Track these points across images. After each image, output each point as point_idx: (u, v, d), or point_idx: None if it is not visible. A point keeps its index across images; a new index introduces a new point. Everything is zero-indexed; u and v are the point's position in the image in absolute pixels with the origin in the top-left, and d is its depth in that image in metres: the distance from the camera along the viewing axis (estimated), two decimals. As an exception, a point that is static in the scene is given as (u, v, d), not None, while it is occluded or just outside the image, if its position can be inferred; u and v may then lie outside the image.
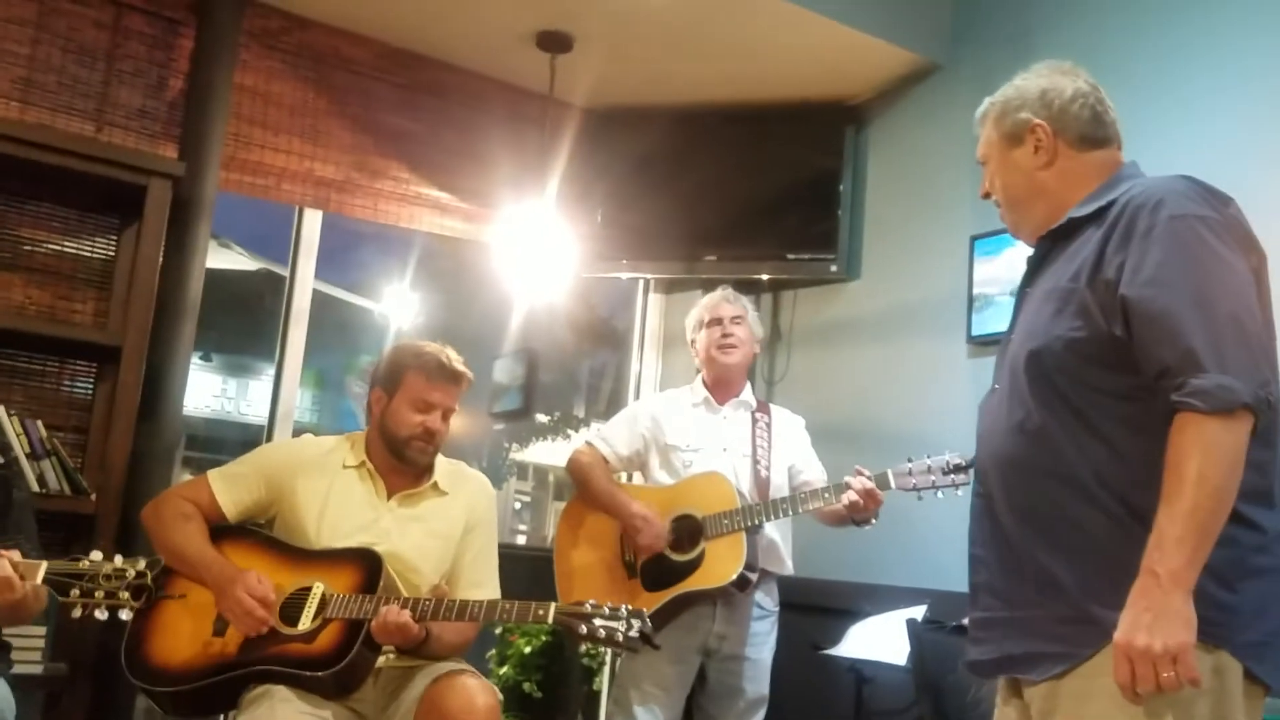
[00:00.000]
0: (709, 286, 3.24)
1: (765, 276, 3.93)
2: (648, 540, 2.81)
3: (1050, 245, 1.67)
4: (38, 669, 2.61)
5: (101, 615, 1.93)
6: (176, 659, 2.23)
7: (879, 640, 2.92)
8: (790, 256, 3.85)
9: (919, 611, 2.86)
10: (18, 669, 2.24)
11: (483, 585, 2.45)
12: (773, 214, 3.89)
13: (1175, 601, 1.35)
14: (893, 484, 2.68)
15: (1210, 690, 1.41)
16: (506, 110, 3.90)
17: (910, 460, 2.67)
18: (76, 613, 1.93)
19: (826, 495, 2.74)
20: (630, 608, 2.12)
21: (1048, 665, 1.51)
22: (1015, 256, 3.21)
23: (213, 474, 2.43)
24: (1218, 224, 1.48)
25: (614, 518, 2.90)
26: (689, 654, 2.89)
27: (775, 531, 2.95)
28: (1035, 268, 1.70)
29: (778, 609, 3.02)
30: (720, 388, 3.06)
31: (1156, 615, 1.35)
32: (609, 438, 3.06)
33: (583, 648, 2.17)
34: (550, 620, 2.15)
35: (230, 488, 2.40)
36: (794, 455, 3.04)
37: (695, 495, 2.85)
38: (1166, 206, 1.49)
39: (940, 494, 2.64)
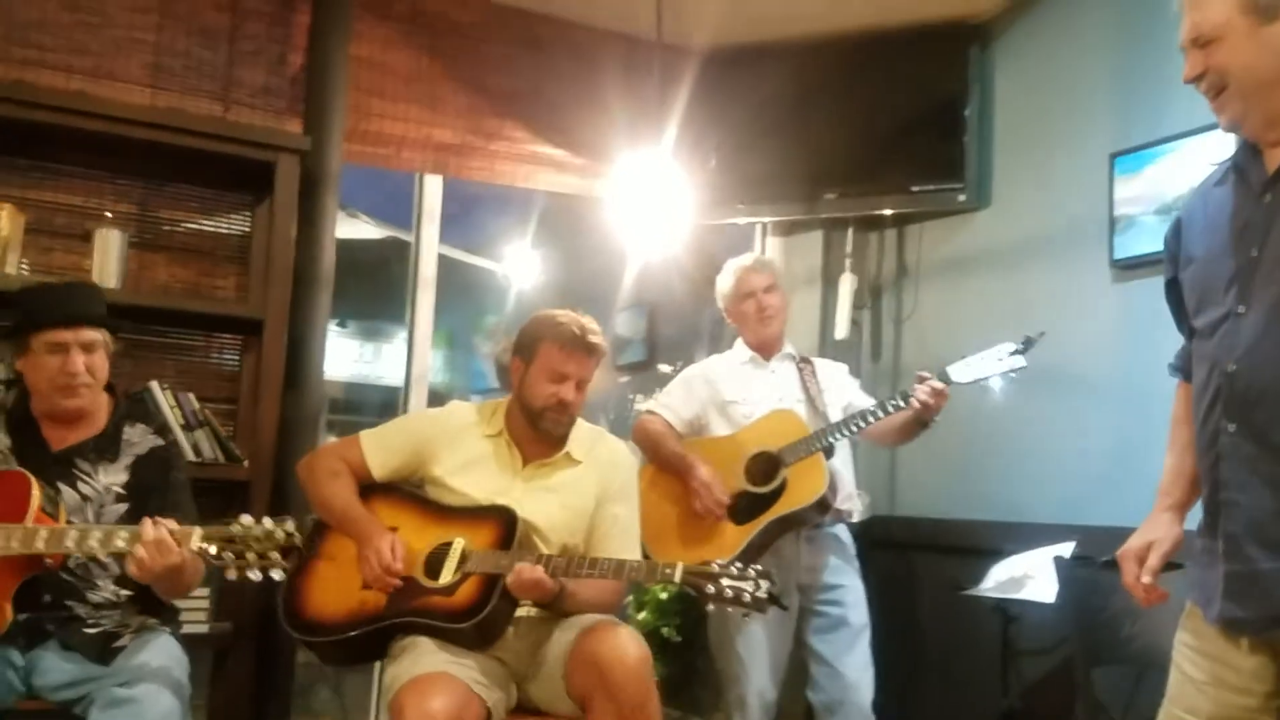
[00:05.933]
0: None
1: (889, 211, 3.80)
2: (704, 506, 2.87)
3: None
4: (204, 629, 2.75)
5: (255, 576, 1.99)
6: (329, 611, 2.33)
7: (1024, 579, 2.85)
8: (915, 189, 3.72)
9: (1066, 549, 2.80)
10: (186, 629, 2.37)
11: (623, 554, 2.45)
12: (895, 146, 3.75)
13: None
14: (953, 378, 2.76)
15: None
16: (618, 61, 3.85)
17: (964, 356, 2.74)
18: (231, 574, 2.00)
19: (892, 404, 2.82)
20: (759, 568, 2.10)
21: None
22: (1159, 172, 3.02)
23: (364, 435, 2.53)
24: None
25: (682, 479, 2.95)
26: (786, 590, 2.89)
27: (842, 465, 3.03)
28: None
29: (855, 544, 3.10)
30: (764, 348, 3.19)
31: None
32: (671, 405, 3.14)
33: (710, 607, 2.15)
34: (677, 579, 2.13)
35: (379, 450, 2.50)
36: (846, 395, 3.14)
37: (767, 433, 2.96)
38: None
39: (1001, 382, 2.73)
